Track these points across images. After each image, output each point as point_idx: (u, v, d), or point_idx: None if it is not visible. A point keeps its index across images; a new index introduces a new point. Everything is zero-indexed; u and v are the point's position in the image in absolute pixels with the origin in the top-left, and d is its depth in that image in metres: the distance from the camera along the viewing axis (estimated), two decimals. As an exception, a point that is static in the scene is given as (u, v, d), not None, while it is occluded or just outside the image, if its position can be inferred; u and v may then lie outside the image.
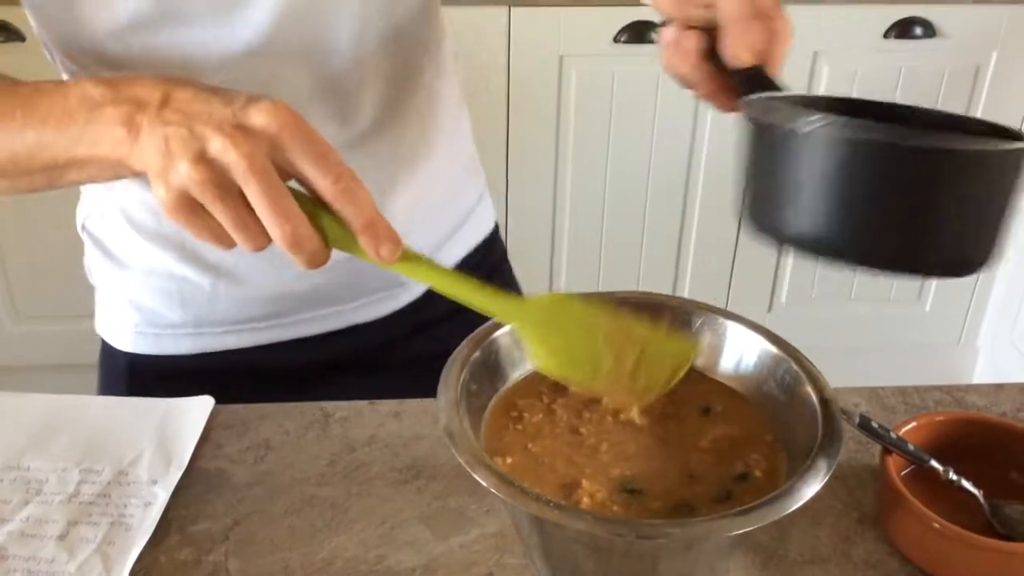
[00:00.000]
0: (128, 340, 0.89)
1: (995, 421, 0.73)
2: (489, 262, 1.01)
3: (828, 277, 2.08)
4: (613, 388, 0.63)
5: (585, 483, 0.60)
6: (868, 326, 2.16)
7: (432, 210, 0.90)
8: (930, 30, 1.83)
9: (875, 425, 0.69)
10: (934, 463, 0.69)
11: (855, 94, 1.87)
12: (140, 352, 0.89)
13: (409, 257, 0.57)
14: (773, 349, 0.66)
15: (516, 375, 0.68)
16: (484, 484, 0.54)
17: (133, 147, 0.56)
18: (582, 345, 0.62)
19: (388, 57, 0.78)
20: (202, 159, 0.53)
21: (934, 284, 2.13)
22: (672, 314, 0.70)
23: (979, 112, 1.93)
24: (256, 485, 0.72)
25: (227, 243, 0.56)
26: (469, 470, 0.55)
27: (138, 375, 0.89)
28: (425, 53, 0.83)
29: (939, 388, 0.83)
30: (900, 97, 1.88)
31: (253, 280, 0.84)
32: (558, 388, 0.68)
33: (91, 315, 2.07)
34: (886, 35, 1.84)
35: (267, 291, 0.85)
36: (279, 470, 0.74)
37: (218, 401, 0.79)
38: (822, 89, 1.86)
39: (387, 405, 0.81)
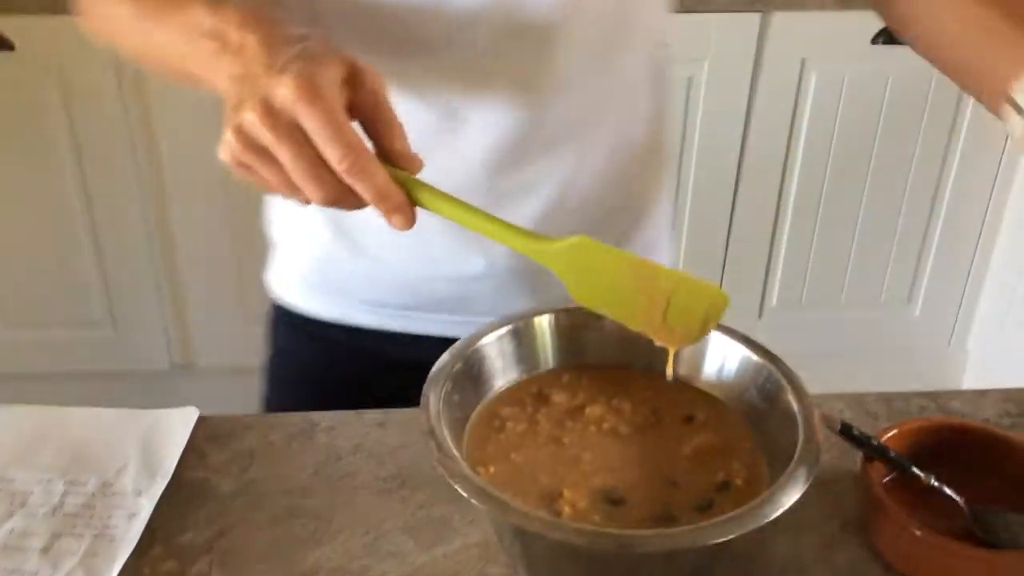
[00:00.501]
0: (285, 292, 0.98)
1: (976, 427, 0.74)
2: None
3: (818, 282, 2.08)
4: (650, 330, 0.63)
5: (567, 493, 0.60)
6: (858, 330, 2.16)
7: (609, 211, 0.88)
8: (918, 35, 1.84)
9: (856, 432, 0.69)
10: (915, 470, 0.69)
11: (843, 100, 1.89)
12: (287, 305, 0.96)
13: (434, 199, 0.60)
14: (754, 357, 0.66)
15: (499, 385, 0.68)
16: (464, 495, 0.55)
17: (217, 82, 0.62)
18: (613, 286, 0.62)
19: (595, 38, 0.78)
20: (270, 111, 0.56)
21: (924, 287, 2.13)
22: None
23: (965, 120, 1.94)
24: (240, 495, 0.72)
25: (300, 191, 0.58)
26: (450, 481, 0.56)
27: (284, 327, 0.99)
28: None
29: (922, 394, 0.84)
30: (888, 103, 1.89)
31: (398, 265, 0.87)
32: (541, 398, 0.69)
33: (75, 323, 2.07)
34: (874, 41, 1.84)
35: (409, 278, 0.87)
36: (263, 480, 0.74)
37: (331, 379, 0.81)
38: (810, 97, 1.87)
39: (372, 414, 0.81)
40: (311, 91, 0.56)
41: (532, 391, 0.69)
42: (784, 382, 0.64)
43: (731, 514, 0.54)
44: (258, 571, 0.66)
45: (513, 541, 0.61)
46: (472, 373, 0.67)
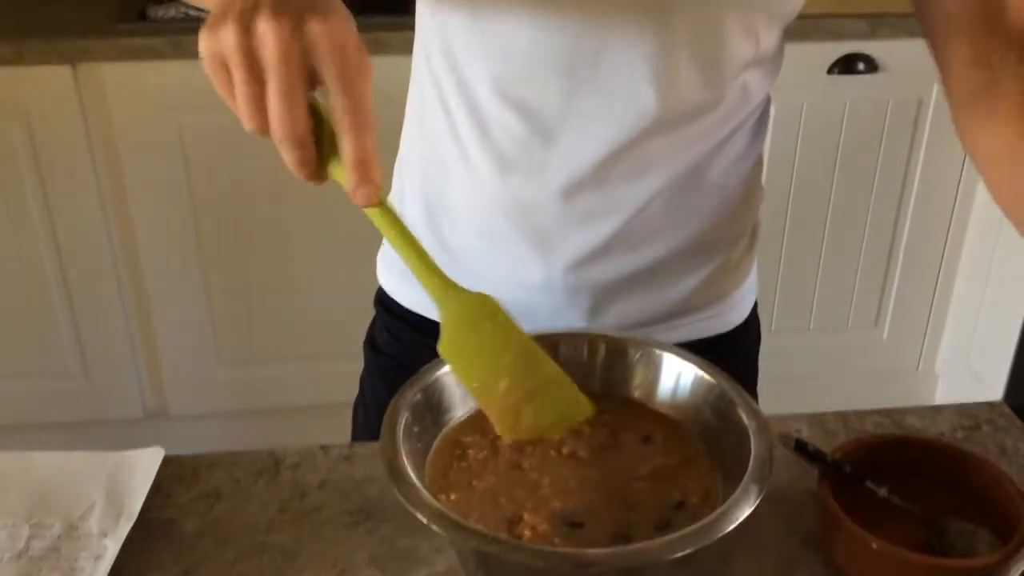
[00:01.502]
0: (384, 279, 0.98)
1: (930, 441, 0.76)
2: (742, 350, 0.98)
3: (786, 308, 2.11)
4: (494, 411, 0.64)
5: (527, 517, 0.61)
6: (827, 354, 2.19)
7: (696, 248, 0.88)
8: (872, 65, 1.89)
9: (811, 448, 0.70)
10: (870, 484, 0.71)
11: (802, 127, 1.93)
12: (394, 296, 0.96)
13: (382, 207, 0.59)
14: (707, 377, 0.68)
15: (459, 414, 0.69)
16: (423, 520, 0.55)
17: None
18: (485, 355, 0.63)
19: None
20: (247, 29, 0.54)
21: (890, 311, 2.16)
22: (608, 346, 0.71)
23: (923, 144, 1.98)
24: (206, 534, 0.73)
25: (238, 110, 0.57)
26: (409, 508, 0.57)
27: (383, 311, 0.98)
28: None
29: (878, 412, 0.85)
30: (846, 130, 1.93)
31: (478, 273, 0.87)
32: None
33: (47, 374, 2.05)
34: (830, 71, 1.89)
35: (486, 277, 0.86)
36: (229, 518, 0.74)
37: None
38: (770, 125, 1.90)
39: (338, 449, 0.81)
40: (346, 32, 0.55)
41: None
42: (737, 400, 0.65)
43: (685, 531, 0.55)
44: (224, 608, 0.67)
45: (476, 567, 0.62)
46: (432, 403, 0.68)
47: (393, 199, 0.94)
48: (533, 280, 0.86)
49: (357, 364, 1.03)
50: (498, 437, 0.68)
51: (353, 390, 1.04)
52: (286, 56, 0.54)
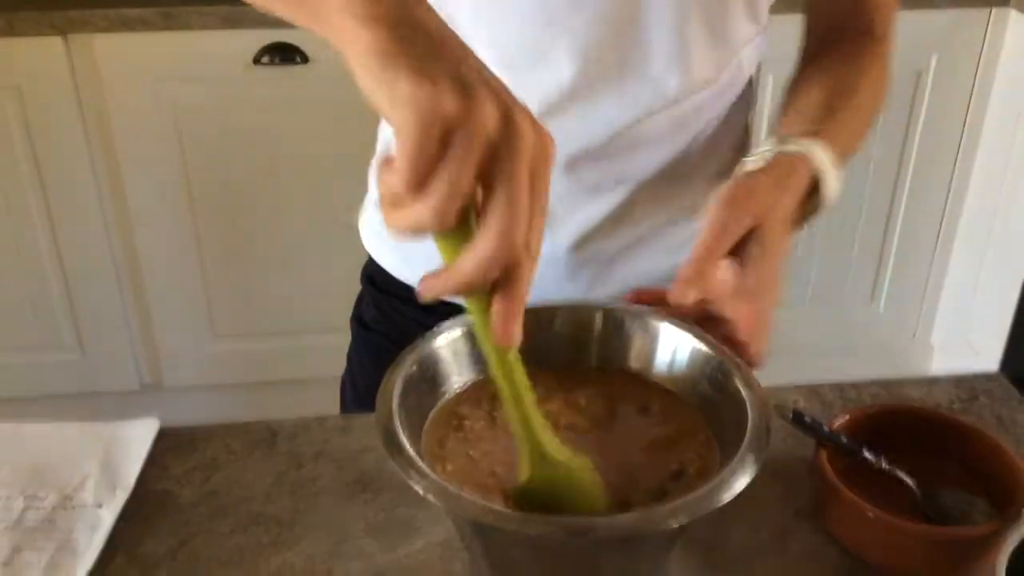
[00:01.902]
0: (374, 248, 0.97)
1: (926, 412, 0.76)
2: None
3: (785, 284, 2.11)
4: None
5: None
6: (825, 327, 2.19)
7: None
8: (870, 36, 1.87)
9: (808, 420, 0.70)
10: (867, 454, 0.71)
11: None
12: (380, 262, 0.96)
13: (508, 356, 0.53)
14: (704, 348, 0.67)
15: (455, 386, 0.69)
16: (418, 490, 0.55)
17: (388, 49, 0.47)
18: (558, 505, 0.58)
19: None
20: (470, 100, 0.46)
21: (887, 283, 2.16)
22: (605, 317, 0.71)
23: (920, 117, 1.97)
24: (202, 505, 0.73)
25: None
26: (404, 476, 0.56)
27: (376, 293, 0.97)
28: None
29: (875, 383, 0.85)
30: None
31: None
32: (499, 397, 0.69)
33: (43, 346, 2.05)
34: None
35: None
36: (225, 489, 0.74)
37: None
38: (767, 98, 1.89)
39: (334, 420, 0.81)
40: (540, 131, 0.48)
41: (490, 390, 0.70)
42: (734, 371, 0.65)
43: (681, 500, 0.55)
44: (221, 578, 0.67)
45: (472, 536, 0.62)
46: (427, 375, 0.67)
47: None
48: (559, 259, 0.86)
49: (350, 337, 1.03)
50: (495, 409, 0.68)
51: (344, 362, 1.04)
52: (524, 145, 0.47)
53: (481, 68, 0.48)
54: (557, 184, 0.81)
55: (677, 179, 0.85)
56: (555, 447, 0.57)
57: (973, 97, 1.99)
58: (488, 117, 0.46)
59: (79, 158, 1.83)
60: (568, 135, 0.80)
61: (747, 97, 0.89)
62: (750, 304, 0.67)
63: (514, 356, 0.53)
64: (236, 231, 1.93)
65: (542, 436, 0.56)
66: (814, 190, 0.74)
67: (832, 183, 0.74)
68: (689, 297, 0.66)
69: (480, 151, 0.46)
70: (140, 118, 1.81)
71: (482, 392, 0.69)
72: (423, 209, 0.46)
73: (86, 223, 1.89)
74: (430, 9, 0.50)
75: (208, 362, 2.07)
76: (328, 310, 1.99)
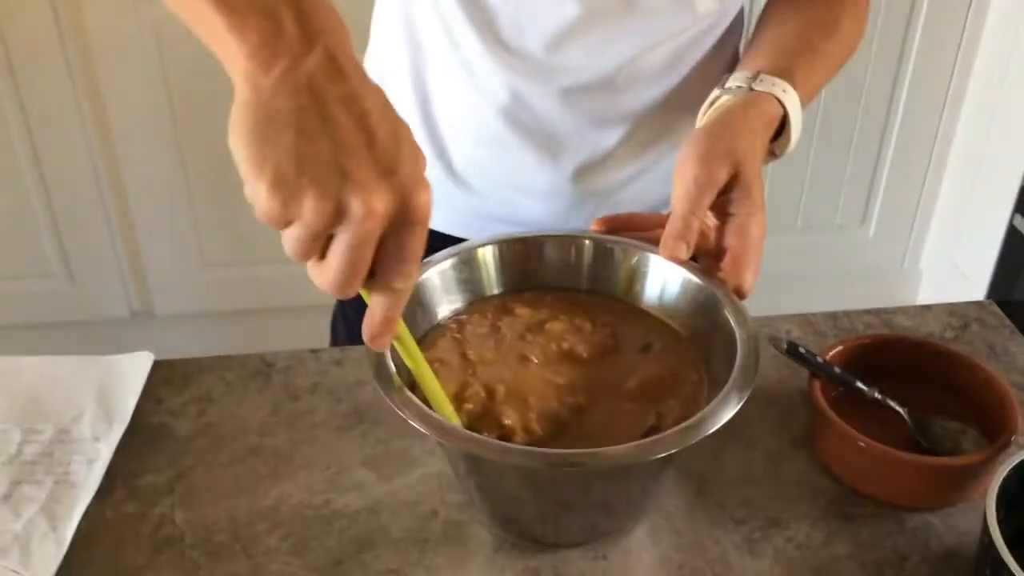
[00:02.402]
0: None
1: (918, 341, 0.76)
2: None
3: (773, 206, 2.09)
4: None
5: (512, 417, 0.61)
6: (814, 252, 2.19)
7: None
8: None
9: (802, 350, 0.71)
10: (859, 384, 0.71)
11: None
12: None
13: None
14: (694, 279, 0.67)
15: (447, 311, 0.69)
16: (401, 415, 0.55)
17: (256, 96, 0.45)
18: None
19: None
20: (331, 205, 0.45)
21: (878, 208, 2.16)
22: (595, 247, 0.71)
23: (915, 43, 1.94)
24: (199, 437, 0.73)
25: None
26: (393, 406, 0.56)
27: None
28: None
29: (868, 311, 0.86)
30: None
31: (480, 184, 0.87)
32: (505, 310, 0.69)
33: (31, 275, 2.03)
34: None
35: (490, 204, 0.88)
36: (222, 421, 0.74)
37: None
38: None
39: (329, 353, 0.81)
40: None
41: (495, 304, 0.70)
42: (725, 303, 0.65)
43: (667, 432, 0.55)
44: (220, 510, 0.67)
45: (464, 467, 0.62)
46: (418, 305, 0.67)
47: None
48: (539, 188, 0.86)
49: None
50: (500, 319, 0.68)
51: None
52: (370, 239, 0.47)
53: (364, 143, 0.46)
54: (561, 117, 0.81)
55: (678, 108, 0.84)
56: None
57: (968, 23, 1.96)
58: (362, 217, 0.45)
59: (60, 84, 1.79)
60: (572, 68, 0.80)
61: (739, 24, 0.89)
62: (738, 239, 0.67)
63: (405, 332, 0.56)
64: (222, 156, 1.88)
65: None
66: (779, 131, 0.74)
67: (797, 127, 0.75)
68: (680, 252, 0.66)
69: (373, 239, 0.47)
70: (121, 42, 1.77)
71: (488, 306, 0.70)
72: (323, 283, 0.48)
73: (69, 150, 1.86)
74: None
75: (198, 290, 2.06)
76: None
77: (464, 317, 0.69)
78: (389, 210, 0.46)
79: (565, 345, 0.67)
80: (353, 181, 0.45)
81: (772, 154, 0.76)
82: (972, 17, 1.96)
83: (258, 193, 0.46)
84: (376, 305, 0.51)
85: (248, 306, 2.08)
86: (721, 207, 0.69)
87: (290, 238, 0.47)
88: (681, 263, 0.67)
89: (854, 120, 2.03)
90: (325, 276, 0.48)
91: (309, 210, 0.45)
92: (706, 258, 0.69)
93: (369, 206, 0.45)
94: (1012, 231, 1.88)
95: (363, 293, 0.51)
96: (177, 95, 1.83)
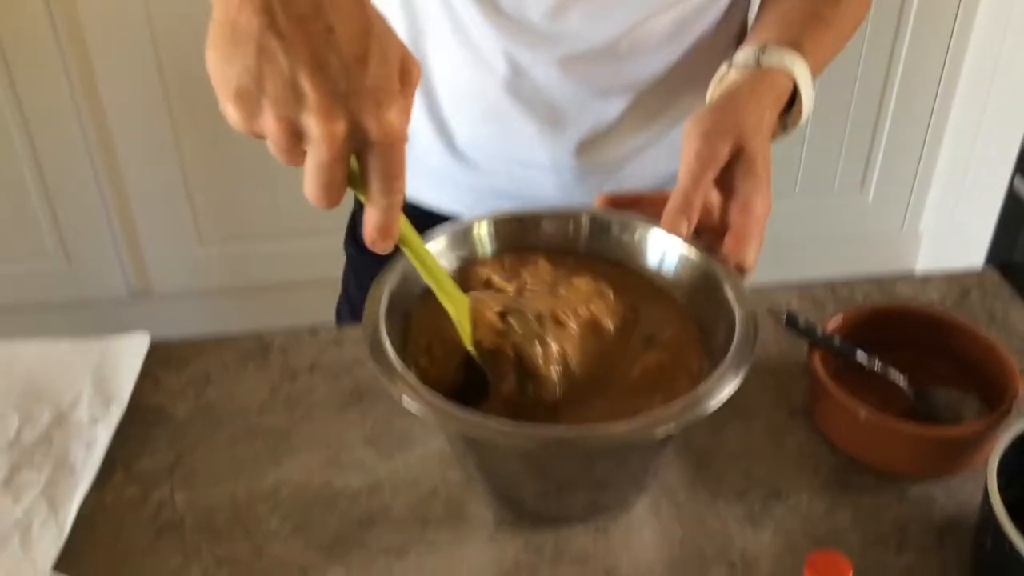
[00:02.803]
0: None
1: (917, 310, 0.76)
2: None
3: (774, 173, 2.09)
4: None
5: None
6: (813, 217, 2.18)
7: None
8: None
9: (801, 322, 0.70)
10: (859, 354, 0.71)
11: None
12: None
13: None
14: (694, 256, 0.67)
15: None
16: (408, 407, 0.55)
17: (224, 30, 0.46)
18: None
19: None
20: (288, 125, 0.46)
21: (876, 172, 2.15)
22: (592, 222, 0.71)
23: (914, 3, 1.93)
24: (197, 419, 0.73)
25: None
26: (392, 393, 0.56)
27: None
28: None
29: (868, 280, 0.85)
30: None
31: (482, 158, 0.87)
32: (526, 263, 0.69)
33: (28, 256, 2.02)
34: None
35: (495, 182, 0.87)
36: (220, 403, 0.74)
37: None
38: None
39: (327, 332, 0.81)
40: (404, 132, 0.49)
41: (511, 259, 0.69)
42: (723, 278, 0.64)
43: (668, 409, 0.55)
44: (220, 491, 0.67)
45: (463, 446, 0.62)
46: (413, 286, 0.66)
47: None
48: (542, 162, 0.85)
49: (338, 239, 1.01)
50: (524, 268, 0.68)
51: (333, 265, 1.03)
52: (337, 159, 0.47)
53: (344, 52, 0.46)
54: (563, 87, 0.80)
55: (682, 81, 0.83)
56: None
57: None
58: (270, 130, 0.46)
59: (53, 65, 1.77)
60: (573, 35, 0.79)
61: None
62: (741, 216, 0.67)
63: (409, 232, 0.57)
64: (216, 132, 1.88)
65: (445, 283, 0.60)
66: (790, 103, 0.73)
67: (808, 99, 0.74)
68: (681, 227, 0.65)
69: (340, 159, 0.47)
70: (113, 20, 1.75)
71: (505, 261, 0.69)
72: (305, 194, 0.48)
73: (63, 129, 1.84)
74: None
75: (196, 268, 2.05)
76: (314, 213, 1.96)
77: (487, 271, 0.68)
78: (348, 132, 0.46)
79: (593, 307, 0.66)
80: (308, 103, 0.45)
81: (784, 127, 0.75)
82: (971, -22, 1.94)
83: (226, 109, 0.47)
84: (369, 215, 0.51)
85: (247, 283, 2.08)
86: (725, 183, 0.68)
87: (272, 148, 0.48)
88: (682, 238, 0.67)
89: (852, 84, 2.01)
90: (305, 189, 0.49)
91: (270, 129, 0.46)
92: (709, 234, 0.68)
93: (324, 129, 0.45)
94: (1011, 193, 1.87)
95: (358, 197, 0.51)
96: (171, 71, 1.81)
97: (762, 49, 0.72)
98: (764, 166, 0.68)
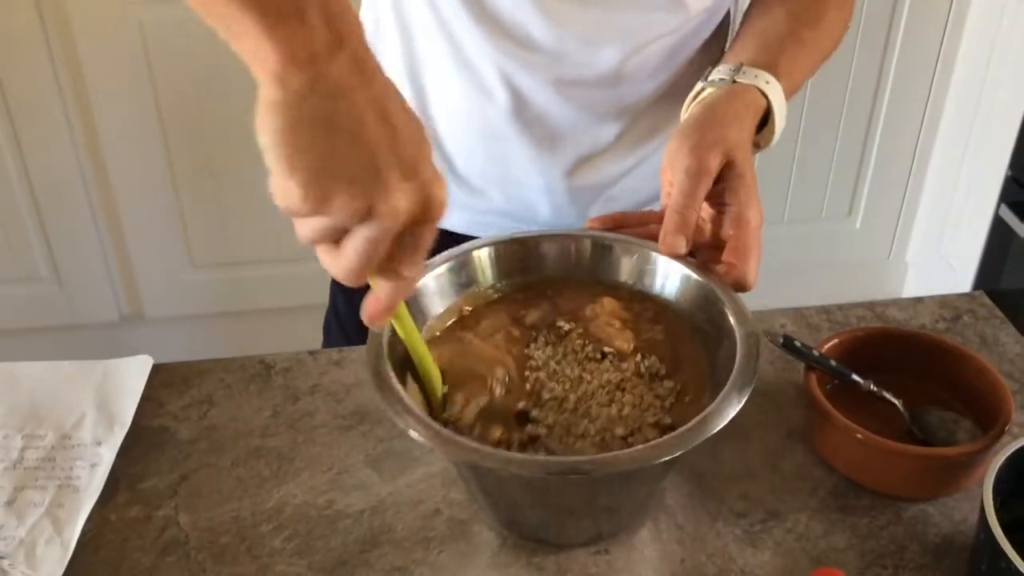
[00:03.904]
0: None
1: (911, 333, 0.77)
2: None
3: (763, 200, 2.11)
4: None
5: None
6: (801, 244, 2.20)
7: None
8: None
9: (798, 344, 0.71)
10: (855, 377, 0.72)
11: None
12: None
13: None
14: (697, 277, 0.68)
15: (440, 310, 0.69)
16: (410, 433, 0.56)
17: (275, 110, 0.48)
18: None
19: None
20: (366, 207, 0.48)
21: (864, 200, 2.17)
22: (593, 245, 0.72)
23: (899, 36, 1.96)
24: (201, 440, 0.73)
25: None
26: (398, 421, 0.56)
27: None
28: None
29: (861, 304, 0.87)
30: None
31: (480, 189, 0.88)
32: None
33: (20, 280, 2.01)
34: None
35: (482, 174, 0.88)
36: (223, 424, 0.75)
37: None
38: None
39: (328, 354, 0.82)
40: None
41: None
42: (724, 300, 0.65)
43: (671, 435, 0.56)
44: (224, 512, 0.67)
45: (468, 473, 0.63)
46: (414, 309, 0.67)
47: None
48: (536, 182, 0.86)
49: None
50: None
51: (325, 290, 1.04)
52: (391, 233, 0.49)
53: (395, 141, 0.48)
54: (561, 111, 0.81)
55: (672, 103, 0.85)
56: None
57: (951, 14, 1.98)
58: (388, 216, 0.48)
59: (47, 87, 1.78)
60: (572, 60, 0.80)
61: (727, 22, 0.90)
62: (736, 229, 0.68)
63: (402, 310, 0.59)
64: (209, 157, 1.89)
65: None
66: (762, 123, 0.74)
67: (781, 119, 0.75)
68: (679, 247, 0.66)
69: (386, 242, 0.49)
70: (108, 44, 1.76)
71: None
72: (337, 269, 0.51)
73: (56, 152, 1.85)
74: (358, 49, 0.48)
75: (187, 292, 2.05)
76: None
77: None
78: (412, 209, 0.49)
79: (606, 349, 0.67)
80: (382, 182, 0.47)
81: (756, 146, 0.76)
82: (955, 8, 1.97)
83: (289, 190, 0.47)
84: (382, 290, 0.53)
85: (238, 307, 2.08)
86: (715, 196, 0.69)
87: (310, 227, 0.49)
88: (680, 258, 0.68)
89: (840, 112, 2.04)
90: (339, 264, 0.50)
91: (339, 208, 0.47)
92: (706, 250, 0.69)
93: (396, 205, 0.48)
94: (998, 221, 1.90)
95: (369, 279, 0.53)
96: (164, 98, 1.82)
97: (737, 68, 0.74)
98: (752, 177, 0.69)
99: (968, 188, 2.03)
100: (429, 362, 0.62)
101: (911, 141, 2.12)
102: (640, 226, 0.73)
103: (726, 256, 0.67)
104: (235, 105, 1.83)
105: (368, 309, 0.54)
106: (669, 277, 0.69)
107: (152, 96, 1.82)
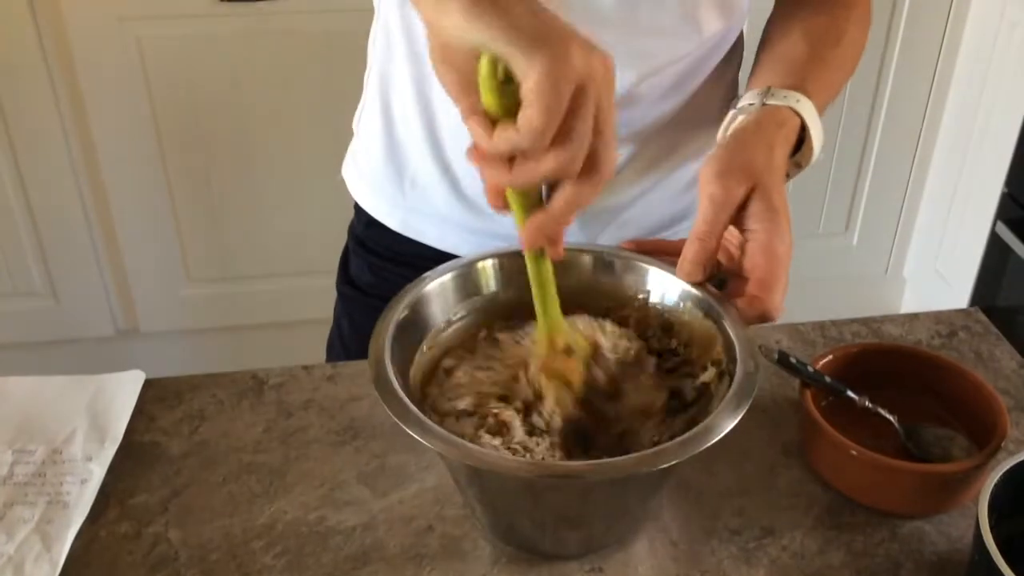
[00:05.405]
0: (365, 200, 0.95)
1: (906, 349, 0.77)
2: None
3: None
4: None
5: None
6: (798, 260, 2.17)
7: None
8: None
9: (793, 360, 0.71)
10: (850, 393, 0.72)
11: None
12: (368, 211, 0.94)
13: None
14: (694, 291, 0.68)
15: (441, 322, 0.69)
16: (417, 438, 0.55)
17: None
18: None
19: None
20: (591, 57, 0.51)
21: (860, 216, 2.18)
22: (594, 260, 0.71)
23: (895, 51, 1.97)
24: (192, 456, 0.73)
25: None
26: (398, 421, 0.56)
27: (368, 256, 0.95)
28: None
29: (856, 320, 0.86)
30: None
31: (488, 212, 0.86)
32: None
33: (15, 294, 2.01)
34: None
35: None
36: (214, 439, 0.74)
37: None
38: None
39: (321, 369, 0.81)
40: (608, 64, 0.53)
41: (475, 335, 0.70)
42: (723, 315, 0.65)
43: (667, 444, 0.55)
44: (215, 528, 0.67)
45: (465, 478, 0.63)
46: (418, 319, 0.67)
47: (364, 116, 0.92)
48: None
49: (326, 280, 1.01)
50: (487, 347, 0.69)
51: (322, 305, 1.03)
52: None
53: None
54: None
55: (682, 128, 0.85)
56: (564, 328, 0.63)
57: (947, 30, 1.99)
58: (596, 70, 0.51)
59: (43, 101, 1.78)
60: None
61: (739, 45, 0.89)
62: (763, 258, 0.66)
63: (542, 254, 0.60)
64: (206, 173, 1.90)
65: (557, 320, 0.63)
66: (799, 142, 0.74)
67: (818, 135, 0.74)
68: (696, 276, 0.66)
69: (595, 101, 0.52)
70: (104, 58, 1.76)
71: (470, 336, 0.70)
72: (558, 160, 0.51)
73: (53, 167, 1.85)
74: None
75: (184, 307, 2.05)
76: (302, 252, 1.98)
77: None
78: (600, 66, 0.52)
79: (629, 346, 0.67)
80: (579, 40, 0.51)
81: (798, 166, 0.75)
82: (952, 23, 1.98)
83: (536, 61, 0.50)
84: (564, 195, 0.55)
85: (233, 322, 2.08)
86: (743, 223, 0.67)
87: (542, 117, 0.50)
88: (698, 286, 0.67)
89: (836, 128, 2.05)
90: (564, 150, 0.52)
91: (577, 59, 0.50)
92: (735, 280, 0.68)
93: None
94: (994, 238, 1.90)
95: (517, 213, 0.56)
96: (161, 110, 1.83)
97: (766, 91, 0.73)
98: (781, 202, 0.67)
99: (965, 205, 2.04)
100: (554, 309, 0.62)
101: (908, 157, 2.12)
102: (673, 253, 0.71)
103: (750, 289, 0.66)
104: (232, 121, 1.85)
105: (536, 233, 0.56)
106: (667, 291, 0.69)
107: (149, 112, 1.82)
